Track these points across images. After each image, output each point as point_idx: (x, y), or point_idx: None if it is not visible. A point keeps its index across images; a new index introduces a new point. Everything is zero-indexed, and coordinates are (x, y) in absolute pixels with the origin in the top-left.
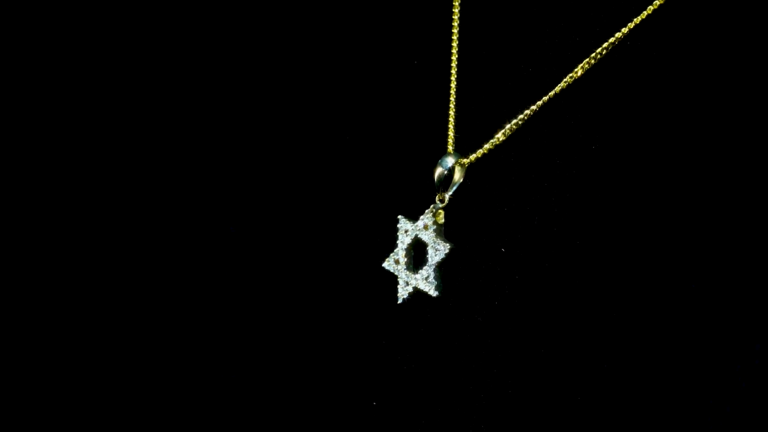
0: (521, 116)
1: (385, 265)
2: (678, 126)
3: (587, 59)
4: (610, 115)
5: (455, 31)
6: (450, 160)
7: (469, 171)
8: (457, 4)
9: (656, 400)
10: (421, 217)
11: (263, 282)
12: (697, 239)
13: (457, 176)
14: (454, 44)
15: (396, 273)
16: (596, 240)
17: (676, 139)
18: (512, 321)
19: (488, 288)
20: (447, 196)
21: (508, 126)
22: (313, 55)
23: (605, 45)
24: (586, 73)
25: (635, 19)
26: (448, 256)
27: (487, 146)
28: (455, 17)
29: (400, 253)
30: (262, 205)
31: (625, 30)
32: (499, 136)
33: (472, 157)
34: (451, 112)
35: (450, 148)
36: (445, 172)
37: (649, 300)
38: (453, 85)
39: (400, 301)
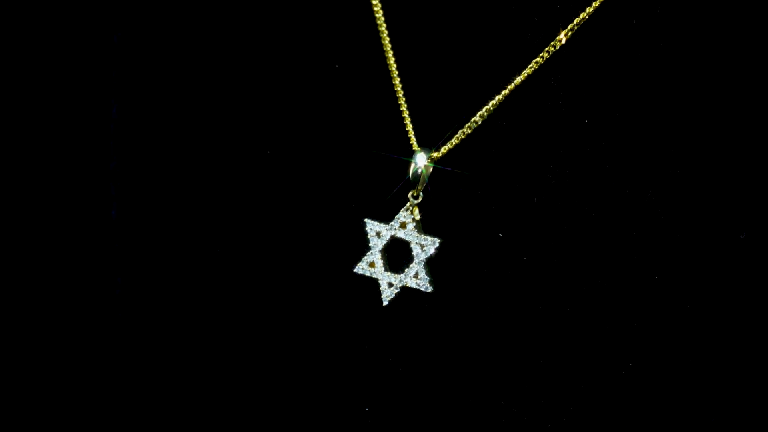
0: (488, 106)
1: (359, 269)
2: (653, 103)
3: (552, 42)
4: (582, 98)
5: (382, 27)
6: (423, 156)
7: (438, 165)
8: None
9: (656, 399)
10: (397, 216)
11: (227, 296)
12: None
13: (429, 171)
14: (385, 38)
15: (375, 276)
16: (580, 226)
17: (653, 116)
18: (509, 313)
19: (478, 280)
20: (421, 192)
21: (478, 114)
22: (238, 62)
23: (577, 21)
24: (554, 56)
25: None
26: (437, 251)
27: (457, 137)
28: (377, 10)
29: (375, 255)
30: (220, 219)
31: (592, 7)
32: (471, 124)
33: (444, 149)
34: (404, 108)
35: (415, 144)
36: (420, 169)
37: (641, 289)
38: (397, 81)
39: (386, 303)
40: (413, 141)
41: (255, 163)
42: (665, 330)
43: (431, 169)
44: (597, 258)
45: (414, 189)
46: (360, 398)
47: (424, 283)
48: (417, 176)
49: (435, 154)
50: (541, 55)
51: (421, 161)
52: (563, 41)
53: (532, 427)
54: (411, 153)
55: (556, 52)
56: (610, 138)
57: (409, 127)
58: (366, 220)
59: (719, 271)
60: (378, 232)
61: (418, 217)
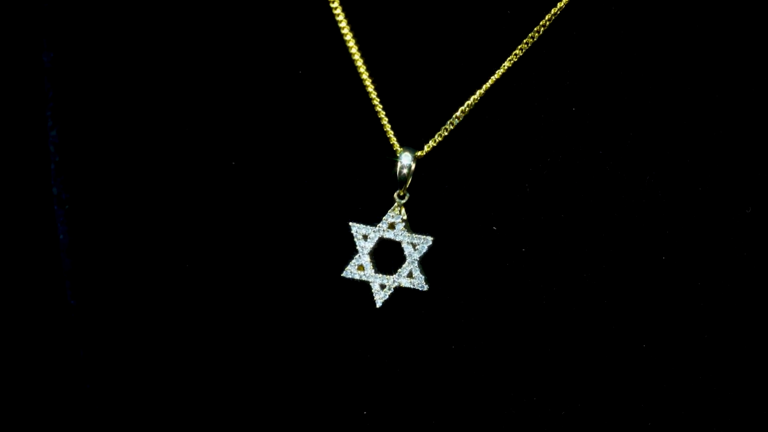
0: (470, 101)
1: (347, 273)
2: (639, 87)
3: (531, 34)
4: (567, 87)
5: (345, 29)
6: (409, 155)
7: (421, 164)
8: (336, 5)
9: (655, 403)
10: (385, 217)
11: (207, 315)
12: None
13: (413, 170)
14: (349, 39)
15: (365, 279)
16: (575, 214)
17: (640, 100)
18: (509, 307)
19: (474, 276)
20: (407, 191)
21: (459, 110)
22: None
23: (554, 11)
24: (533, 47)
25: None
26: (430, 249)
27: (439, 134)
28: (338, 13)
29: (363, 258)
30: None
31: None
32: (453, 119)
33: (427, 148)
34: (380, 109)
35: (396, 144)
36: (405, 169)
37: (643, 276)
38: (368, 81)
39: (379, 304)
40: (393, 141)
41: (224, 173)
42: (669, 325)
43: (413, 167)
44: (595, 246)
45: (401, 189)
46: (360, 403)
47: (419, 282)
48: (403, 176)
49: (419, 153)
50: (520, 47)
51: (406, 160)
52: (542, 32)
53: (538, 424)
54: (391, 154)
55: (535, 43)
56: (600, 125)
57: (388, 127)
58: (351, 223)
59: (720, 256)
60: (365, 235)
61: (405, 217)
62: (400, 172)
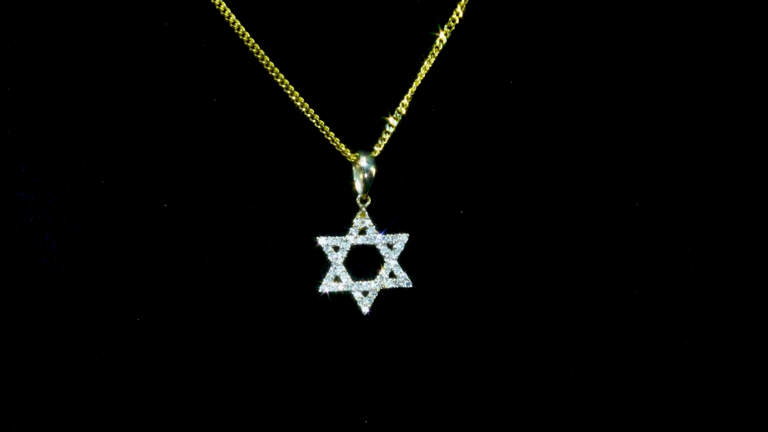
0: (408, 94)
1: (324, 288)
2: (566, 60)
3: (447, 23)
4: (497, 67)
5: (248, 41)
6: (367, 159)
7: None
8: (227, 14)
9: (648, 398)
10: (354, 224)
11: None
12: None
13: (373, 172)
14: (254, 48)
15: (345, 290)
16: (535, 190)
17: (564, 79)
18: (498, 290)
19: (456, 264)
20: (368, 195)
21: (400, 104)
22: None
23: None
24: (454, 35)
25: None
26: (407, 246)
27: (386, 131)
28: (233, 23)
29: (338, 270)
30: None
31: None
32: (396, 115)
33: (378, 147)
34: (316, 118)
35: (347, 151)
36: (365, 173)
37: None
38: (290, 89)
39: (366, 311)
40: (342, 148)
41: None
42: (651, 307)
43: (374, 170)
44: (564, 221)
45: (362, 193)
46: (361, 411)
47: (403, 280)
48: (365, 180)
49: (373, 154)
50: (443, 32)
51: (366, 163)
52: (461, 14)
53: (539, 422)
54: (344, 161)
55: (458, 26)
56: (543, 100)
57: (332, 135)
58: (317, 237)
59: (688, 236)
60: (335, 246)
61: (371, 220)
62: (362, 176)
